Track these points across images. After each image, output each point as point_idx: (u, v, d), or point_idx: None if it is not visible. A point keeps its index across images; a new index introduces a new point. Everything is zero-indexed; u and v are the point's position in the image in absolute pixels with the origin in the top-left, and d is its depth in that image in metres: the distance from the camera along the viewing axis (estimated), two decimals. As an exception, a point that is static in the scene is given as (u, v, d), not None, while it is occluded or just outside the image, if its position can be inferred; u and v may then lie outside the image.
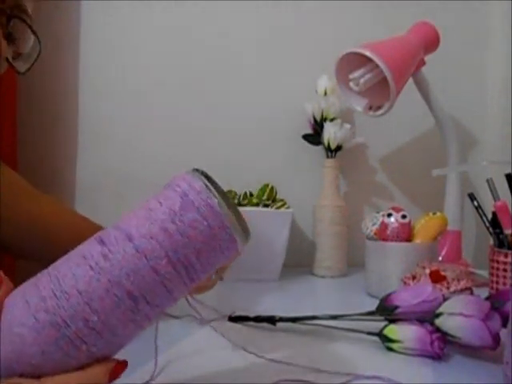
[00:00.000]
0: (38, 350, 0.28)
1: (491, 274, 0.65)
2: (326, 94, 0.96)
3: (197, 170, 0.33)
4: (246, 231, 0.32)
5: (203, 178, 0.32)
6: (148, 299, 0.29)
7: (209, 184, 0.31)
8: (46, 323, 0.28)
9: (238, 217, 0.32)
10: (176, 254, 0.30)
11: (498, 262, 0.64)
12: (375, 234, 0.78)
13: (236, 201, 0.89)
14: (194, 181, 0.31)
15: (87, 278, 0.28)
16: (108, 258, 0.29)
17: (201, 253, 0.30)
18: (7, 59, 0.39)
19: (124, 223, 0.31)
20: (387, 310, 0.53)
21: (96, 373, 0.29)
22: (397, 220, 0.74)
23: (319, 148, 0.99)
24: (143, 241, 0.29)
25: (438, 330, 0.48)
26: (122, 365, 0.31)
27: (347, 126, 0.96)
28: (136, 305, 0.29)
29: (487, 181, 0.68)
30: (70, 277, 0.28)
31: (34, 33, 0.41)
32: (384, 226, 0.75)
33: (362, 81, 0.84)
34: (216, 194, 0.31)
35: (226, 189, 0.88)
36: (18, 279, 0.32)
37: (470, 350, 0.49)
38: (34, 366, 0.28)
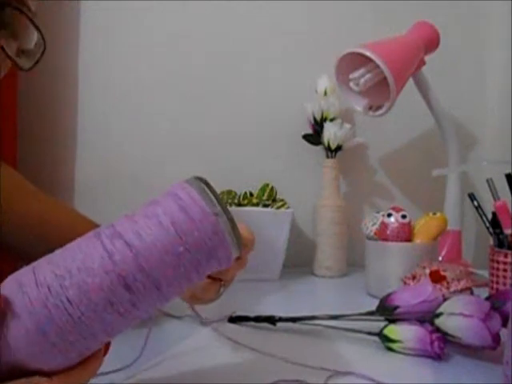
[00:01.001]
0: (50, 363, 0.29)
1: (491, 274, 0.65)
2: (326, 93, 0.96)
3: (202, 183, 0.32)
4: (240, 247, 0.33)
5: (226, 220, 0.31)
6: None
7: (231, 232, 0.32)
8: (68, 350, 0.29)
9: (236, 234, 0.32)
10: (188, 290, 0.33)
11: (498, 262, 0.64)
12: (375, 234, 0.78)
13: (236, 201, 0.89)
14: (222, 232, 0.31)
15: (115, 324, 0.30)
16: (137, 306, 0.30)
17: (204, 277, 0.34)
18: (9, 56, 0.38)
19: (148, 263, 0.29)
20: (387, 310, 0.53)
21: (95, 363, 0.31)
22: (397, 220, 0.74)
23: (319, 148, 0.99)
24: (170, 290, 0.31)
25: (437, 330, 0.48)
26: (108, 345, 0.33)
27: (347, 126, 0.96)
28: (140, 318, 0.32)
29: (487, 181, 0.68)
30: (99, 323, 0.29)
31: (36, 27, 0.39)
32: (384, 225, 0.75)
33: (362, 81, 0.84)
34: (233, 236, 0.32)
35: (225, 189, 0.89)
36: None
37: (469, 350, 0.49)
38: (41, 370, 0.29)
